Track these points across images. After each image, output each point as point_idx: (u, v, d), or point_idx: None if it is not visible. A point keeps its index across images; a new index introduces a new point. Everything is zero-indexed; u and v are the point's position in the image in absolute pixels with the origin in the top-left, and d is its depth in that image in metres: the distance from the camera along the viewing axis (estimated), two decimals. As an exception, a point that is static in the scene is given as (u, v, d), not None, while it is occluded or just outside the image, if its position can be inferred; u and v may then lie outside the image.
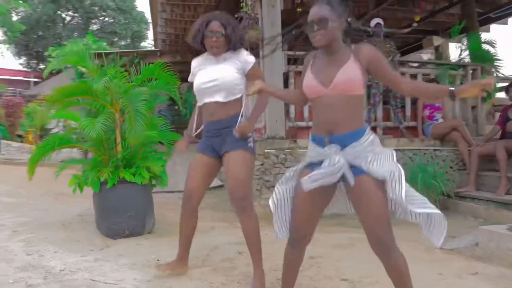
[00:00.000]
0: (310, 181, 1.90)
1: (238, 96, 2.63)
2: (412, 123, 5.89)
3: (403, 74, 5.95)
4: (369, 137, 1.96)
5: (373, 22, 5.72)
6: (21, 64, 29.60)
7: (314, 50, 2.12)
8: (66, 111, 3.85)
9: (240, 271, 2.97)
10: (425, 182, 4.82)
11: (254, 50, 5.87)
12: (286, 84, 5.41)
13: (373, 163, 1.90)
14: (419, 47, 10.40)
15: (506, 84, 5.79)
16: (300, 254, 2.19)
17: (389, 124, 5.82)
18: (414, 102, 5.96)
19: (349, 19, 2.02)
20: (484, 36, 7.32)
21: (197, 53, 2.84)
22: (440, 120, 5.73)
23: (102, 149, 4.13)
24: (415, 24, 8.35)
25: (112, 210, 3.95)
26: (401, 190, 1.84)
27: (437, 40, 9.01)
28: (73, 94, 3.83)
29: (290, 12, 8.39)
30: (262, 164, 5.17)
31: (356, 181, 1.91)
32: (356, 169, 1.92)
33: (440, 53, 8.51)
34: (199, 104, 2.73)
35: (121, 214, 3.92)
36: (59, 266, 3.02)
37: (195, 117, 2.85)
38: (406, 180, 1.90)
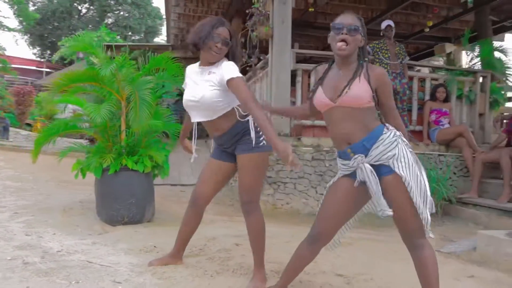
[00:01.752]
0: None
1: (227, 110, 2.49)
2: (418, 127, 5.87)
3: (411, 77, 5.95)
4: (390, 133, 1.99)
5: (384, 24, 5.69)
6: (34, 54, 29.86)
7: (326, 62, 2.18)
8: (72, 97, 3.88)
9: (236, 261, 2.97)
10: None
11: (264, 46, 5.90)
12: (293, 82, 5.40)
13: (399, 161, 1.95)
14: (430, 54, 10.38)
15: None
16: (314, 252, 2.22)
17: (394, 127, 5.78)
18: (420, 106, 5.93)
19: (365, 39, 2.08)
20: (497, 44, 7.27)
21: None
22: (447, 126, 5.68)
23: (107, 135, 4.18)
24: (427, 30, 8.34)
25: (113, 196, 3.98)
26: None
27: (449, 47, 8.95)
28: (80, 79, 3.86)
29: (301, 11, 8.47)
30: (265, 160, 5.17)
31: (383, 181, 1.97)
32: (384, 168, 1.97)
33: (452, 59, 8.45)
34: (192, 120, 2.60)
35: (122, 201, 3.96)
36: (57, 247, 3.05)
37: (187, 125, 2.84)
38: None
